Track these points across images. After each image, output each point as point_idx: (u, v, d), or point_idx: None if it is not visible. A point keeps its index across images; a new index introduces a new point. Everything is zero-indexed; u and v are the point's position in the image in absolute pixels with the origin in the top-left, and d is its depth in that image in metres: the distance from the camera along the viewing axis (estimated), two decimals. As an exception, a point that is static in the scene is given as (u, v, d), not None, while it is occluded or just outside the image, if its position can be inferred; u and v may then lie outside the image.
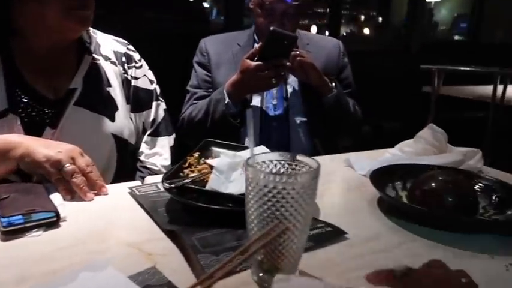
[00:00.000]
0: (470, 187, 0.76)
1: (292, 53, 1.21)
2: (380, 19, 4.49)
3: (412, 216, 0.70)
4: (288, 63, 1.18)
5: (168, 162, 1.06)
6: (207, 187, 0.69)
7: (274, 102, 1.30)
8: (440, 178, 0.74)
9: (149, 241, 0.61)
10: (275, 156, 0.53)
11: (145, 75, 1.09)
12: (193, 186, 0.70)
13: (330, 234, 0.64)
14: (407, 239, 0.65)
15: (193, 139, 1.18)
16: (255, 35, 1.41)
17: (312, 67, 1.22)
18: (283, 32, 1.12)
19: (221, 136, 1.28)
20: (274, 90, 1.30)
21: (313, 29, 4.18)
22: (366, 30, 4.53)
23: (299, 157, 0.53)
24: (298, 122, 1.29)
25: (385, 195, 0.74)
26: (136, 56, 1.09)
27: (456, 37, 4.48)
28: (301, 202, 0.47)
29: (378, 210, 0.75)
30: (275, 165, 0.53)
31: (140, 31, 2.53)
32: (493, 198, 0.76)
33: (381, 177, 0.83)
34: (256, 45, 1.18)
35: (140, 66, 1.08)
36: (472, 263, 0.58)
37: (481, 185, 0.80)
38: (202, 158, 0.81)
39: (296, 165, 0.53)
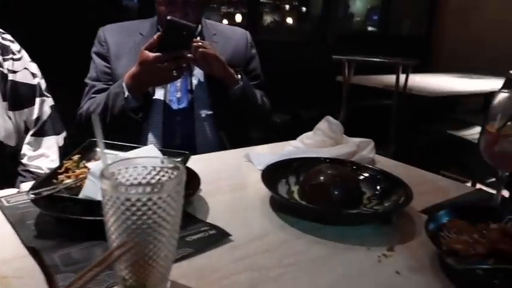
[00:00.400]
0: (355, 179, 0.79)
1: (194, 44, 1.17)
2: (304, 9, 4.57)
3: (297, 212, 0.71)
4: (190, 55, 1.13)
5: (55, 164, 0.97)
6: (81, 195, 0.64)
7: (178, 95, 1.25)
8: (328, 172, 0.76)
9: (6, 262, 0.54)
10: (137, 162, 0.49)
11: (26, 68, 0.98)
12: (62, 194, 0.63)
13: (213, 238, 0.61)
14: (292, 236, 0.65)
15: (93, 136, 1.09)
16: (158, 23, 1.34)
17: (215, 58, 1.19)
18: (181, 22, 1.07)
19: (123, 131, 1.23)
20: (178, 83, 1.25)
21: (238, 17, 4.15)
22: (289, 20, 4.59)
23: (165, 160, 0.49)
24: (203, 115, 1.25)
25: (274, 193, 0.73)
26: (15, 46, 0.98)
27: (369, 28, 4.72)
28: (162, 213, 0.44)
29: (270, 208, 0.75)
30: (140, 172, 0.49)
31: (30, 16, 2.31)
32: (377, 188, 0.80)
33: (274, 172, 0.83)
34: (155, 36, 1.11)
35: (19, 58, 0.97)
36: (349, 256, 0.60)
37: (366, 175, 0.83)
38: (83, 161, 0.75)
39: (160, 170, 0.49)
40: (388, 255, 0.60)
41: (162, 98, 1.24)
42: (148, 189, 0.42)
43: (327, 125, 1.05)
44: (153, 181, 0.50)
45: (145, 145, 1.19)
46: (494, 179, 2.95)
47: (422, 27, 4.80)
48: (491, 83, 2.95)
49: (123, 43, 1.31)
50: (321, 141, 1.04)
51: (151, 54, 1.08)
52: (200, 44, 1.18)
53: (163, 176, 0.50)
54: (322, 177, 0.75)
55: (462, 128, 2.85)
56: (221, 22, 4.01)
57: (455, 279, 0.54)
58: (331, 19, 4.03)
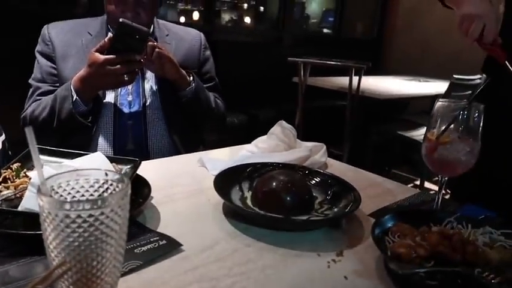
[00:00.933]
0: (306, 185, 0.80)
1: (150, 44, 1.14)
2: (261, 8, 4.58)
3: (249, 219, 0.71)
4: (141, 60, 1.10)
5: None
6: (20, 207, 0.60)
7: (130, 98, 1.21)
8: (280, 178, 0.77)
9: None
10: (79, 174, 0.47)
11: None
12: (0, 207, 0.60)
13: (163, 248, 0.60)
14: (243, 244, 0.65)
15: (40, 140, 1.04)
16: (108, 23, 1.30)
17: (169, 60, 1.17)
18: (134, 26, 1.03)
19: (71, 137, 1.18)
20: (129, 86, 1.21)
21: (195, 15, 4.10)
22: (247, 20, 4.59)
23: (109, 173, 0.48)
24: (155, 119, 1.22)
25: (226, 200, 0.73)
26: None
27: (325, 30, 4.82)
28: (106, 229, 0.42)
29: (222, 214, 0.75)
30: (82, 186, 0.47)
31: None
32: (328, 193, 0.81)
33: (227, 178, 0.82)
34: (106, 38, 1.07)
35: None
36: (298, 262, 0.61)
37: (318, 180, 0.85)
38: (24, 170, 0.71)
39: (104, 183, 0.48)
40: (337, 260, 0.62)
41: (112, 102, 1.20)
42: (88, 205, 0.41)
43: (280, 129, 1.06)
44: (96, 194, 0.48)
45: (96, 150, 1.15)
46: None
47: (374, 30, 4.97)
48: (437, 86, 3.12)
49: (71, 43, 1.25)
50: (275, 146, 1.05)
51: (102, 56, 1.04)
52: (156, 44, 1.15)
53: (107, 189, 0.48)
54: (274, 184, 0.75)
55: (411, 128, 2.99)
56: (178, 19, 3.95)
57: (398, 283, 0.57)
58: (287, 20, 4.08)
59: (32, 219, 0.59)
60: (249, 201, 0.78)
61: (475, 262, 0.59)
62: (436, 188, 0.80)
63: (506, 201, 0.99)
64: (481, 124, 0.67)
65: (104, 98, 1.19)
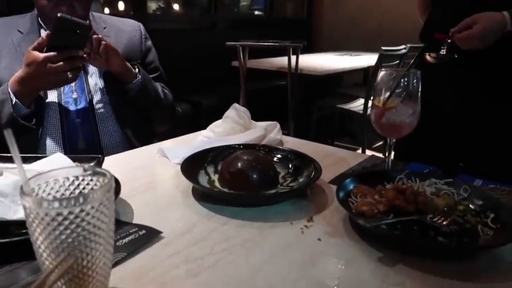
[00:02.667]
0: (270, 162, 0.85)
1: (95, 36, 1.10)
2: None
3: (221, 200, 0.74)
4: (84, 55, 1.06)
5: None
6: (-12, 217, 0.58)
7: (75, 95, 1.17)
8: (245, 158, 0.80)
9: None
10: (60, 173, 0.47)
11: None
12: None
13: (144, 238, 0.61)
14: (219, 223, 0.68)
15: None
16: (39, 19, 1.23)
17: (116, 53, 1.14)
18: (74, 20, 0.99)
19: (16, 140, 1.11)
20: (73, 83, 1.16)
21: (121, 5, 3.92)
22: (176, 7, 4.48)
23: (89, 169, 0.48)
24: (105, 114, 1.19)
25: (196, 184, 0.75)
26: None
27: (256, 12, 4.86)
28: (97, 222, 0.43)
29: (193, 199, 0.77)
30: (62, 184, 0.47)
31: None
32: (290, 167, 0.86)
33: (193, 164, 0.84)
34: (43, 35, 1.02)
35: None
36: (274, 232, 0.65)
37: (279, 156, 0.90)
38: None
39: (83, 179, 0.48)
40: (308, 225, 0.67)
41: (56, 101, 1.15)
42: (79, 200, 0.41)
43: (234, 112, 1.09)
44: (77, 191, 0.48)
45: (44, 153, 1.11)
46: (379, 144, 3.33)
47: (303, 9, 5.10)
48: (367, 59, 3.30)
49: (0, 42, 1.17)
50: (231, 129, 1.08)
51: (41, 54, 0.99)
52: (101, 36, 1.11)
53: (87, 184, 0.48)
54: (240, 164, 0.79)
55: (348, 101, 3.15)
56: (102, 11, 3.76)
57: (366, 236, 0.63)
58: (218, 4, 4.05)
59: (2, 226, 0.58)
60: (217, 184, 0.81)
61: (426, 210, 0.67)
62: (376, 153, 0.88)
63: (442, 156, 1.11)
64: (420, 88, 0.75)
65: (47, 98, 1.14)
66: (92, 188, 0.48)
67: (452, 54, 1.05)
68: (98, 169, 0.48)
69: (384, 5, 4.40)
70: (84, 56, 1.06)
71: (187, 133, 1.20)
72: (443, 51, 1.05)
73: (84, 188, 0.48)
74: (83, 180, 0.49)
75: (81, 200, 0.42)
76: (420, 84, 0.75)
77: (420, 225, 0.64)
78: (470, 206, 0.69)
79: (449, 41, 1.04)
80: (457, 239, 0.61)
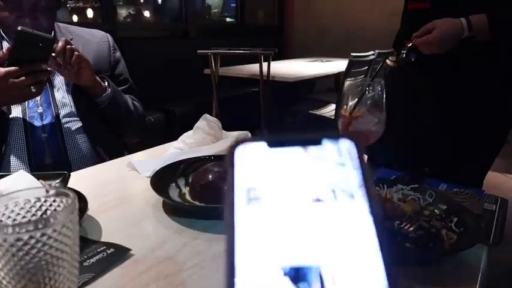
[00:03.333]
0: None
1: (68, 46, 1.07)
2: (160, 1, 4.45)
3: (192, 213, 0.73)
4: (47, 69, 1.03)
5: None
6: None
7: (40, 110, 1.14)
8: (215, 170, 0.80)
9: None
10: (21, 194, 0.46)
11: None
12: None
13: (112, 256, 0.60)
14: (190, 238, 0.67)
15: None
16: (1, 31, 1.19)
17: (87, 65, 1.11)
18: (36, 33, 0.97)
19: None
20: (38, 97, 1.13)
21: (90, 13, 3.84)
22: (147, 14, 4.43)
23: (52, 189, 0.47)
24: (73, 128, 1.16)
25: (167, 198, 0.75)
26: None
27: (228, 20, 4.88)
28: (60, 246, 0.42)
29: (164, 213, 0.76)
30: (23, 207, 0.46)
31: None
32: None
33: (163, 177, 0.83)
34: (4, 48, 0.99)
35: None
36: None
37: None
38: None
39: (46, 200, 0.47)
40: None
41: (21, 116, 1.11)
42: (40, 224, 0.40)
43: (205, 123, 1.09)
44: (39, 213, 0.47)
45: (8, 170, 1.07)
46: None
47: (275, 16, 5.15)
48: (338, 65, 3.36)
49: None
50: (202, 139, 1.08)
51: (2, 69, 0.96)
52: (73, 47, 1.08)
53: (50, 205, 0.47)
54: (210, 176, 0.78)
55: (320, 106, 3.20)
56: (70, 19, 3.68)
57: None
58: (189, 12, 4.04)
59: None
60: (188, 197, 0.80)
61: (394, 216, 0.69)
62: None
63: (410, 161, 1.15)
64: (384, 97, 0.77)
65: (10, 113, 1.11)
66: (54, 210, 0.47)
67: (409, 58, 1.09)
68: (61, 189, 0.47)
69: (353, 12, 4.51)
70: (49, 69, 1.03)
71: (161, 142, 1.19)
72: (402, 55, 1.09)
73: (46, 210, 0.47)
74: (45, 201, 0.47)
75: (42, 223, 0.40)
76: (384, 92, 0.77)
77: (387, 232, 0.66)
78: (436, 210, 0.71)
79: (409, 45, 1.07)
80: (422, 245, 0.63)
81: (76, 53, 1.07)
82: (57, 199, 0.47)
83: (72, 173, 0.92)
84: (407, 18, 1.24)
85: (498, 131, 1.17)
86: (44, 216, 0.46)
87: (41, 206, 0.47)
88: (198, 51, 2.71)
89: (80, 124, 1.17)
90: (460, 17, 1.03)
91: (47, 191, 0.47)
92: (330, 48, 4.45)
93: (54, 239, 0.41)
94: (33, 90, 0.99)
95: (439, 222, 0.68)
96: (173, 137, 1.17)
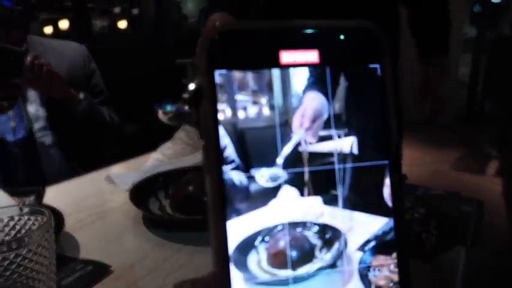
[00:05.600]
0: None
1: (37, 61, 1.04)
2: (136, 11, 4.42)
3: (173, 226, 0.72)
4: (19, 83, 1.01)
5: None
6: None
7: (12, 124, 1.10)
8: (196, 181, 0.79)
9: None
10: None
11: None
12: None
13: (91, 274, 0.59)
14: (172, 251, 0.66)
15: None
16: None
17: (58, 77, 1.09)
18: (6, 47, 0.95)
19: None
20: (9, 112, 1.10)
21: (63, 24, 3.77)
22: (122, 24, 4.39)
23: (25, 207, 0.45)
24: (47, 142, 1.13)
25: (146, 212, 0.73)
26: None
27: (203, 29, 4.87)
28: (35, 266, 0.41)
29: (143, 227, 0.74)
30: (-4, 227, 0.44)
31: None
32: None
33: (142, 189, 0.82)
34: None
35: None
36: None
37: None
38: None
39: (20, 219, 0.45)
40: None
41: (-9, 131, 1.08)
42: (14, 245, 0.39)
43: (184, 133, 1.08)
44: (13, 233, 0.45)
45: (-21, 187, 1.03)
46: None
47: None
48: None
49: None
50: (181, 150, 1.07)
51: None
52: (42, 61, 1.06)
53: (25, 224, 0.46)
54: (191, 187, 0.77)
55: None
56: (42, 31, 3.60)
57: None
58: (165, 22, 4.03)
59: None
60: (168, 209, 0.79)
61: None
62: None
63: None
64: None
65: (-19, 129, 1.07)
66: (29, 229, 0.45)
67: None
68: (36, 207, 0.46)
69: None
70: (20, 83, 1.01)
71: (140, 154, 1.17)
72: None
73: (20, 229, 0.45)
74: (19, 220, 0.46)
75: (16, 244, 0.39)
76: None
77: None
78: (415, 214, 0.72)
79: None
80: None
81: (46, 67, 1.05)
82: (32, 217, 0.46)
83: (47, 188, 0.90)
84: None
85: None
86: (18, 235, 0.44)
87: (14, 225, 0.45)
88: (176, 60, 2.69)
89: (54, 138, 1.15)
90: None
91: (21, 209, 0.46)
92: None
93: (29, 259, 0.40)
94: (5, 104, 0.96)
95: (418, 225, 0.69)
96: (152, 148, 1.15)
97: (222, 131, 0.19)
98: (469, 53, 4.06)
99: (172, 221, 0.74)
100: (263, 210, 0.20)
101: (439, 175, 1.49)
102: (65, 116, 1.15)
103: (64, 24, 3.78)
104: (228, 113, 0.19)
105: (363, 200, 0.21)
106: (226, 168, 0.19)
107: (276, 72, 0.19)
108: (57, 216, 0.69)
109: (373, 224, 0.21)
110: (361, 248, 0.21)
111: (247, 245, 0.20)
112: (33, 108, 1.15)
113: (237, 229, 0.20)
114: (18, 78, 0.99)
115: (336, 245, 0.20)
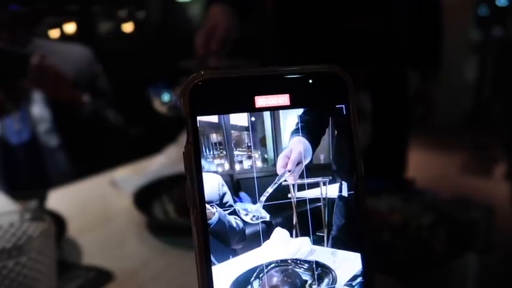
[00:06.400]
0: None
1: (44, 62, 1.04)
2: (142, 16, 4.43)
3: (177, 232, 0.71)
4: (23, 86, 1.00)
5: None
6: None
7: (17, 127, 1.10)
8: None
9: None
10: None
11: None
12: None
13: (93, 281, 0.58)
14: (175, 257, 0.65)
15: None
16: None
17: (63, 81, 1.08)
18: (10, 51, 0.94)
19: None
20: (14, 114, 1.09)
21: (70, 28, 3.78)
22: (128, 27, 4.39)
23: (25, 214, 0.44)
24: (51, 144, 1.13)
25: (150, 217, 0.72)
26: None
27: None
28: (35, 274, 0.40)
29: (147, 232, 0.73)
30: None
31: None
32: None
33: (147, 194, 0.81)
34: None
35: None
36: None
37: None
38: None
39: (21, 226, 0.44)
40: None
41: (-4, 134, 1.08)
42: (14, 253, 0.38)
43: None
44: (13, 240, 0.44)
45: (-16, 190, 1.03)
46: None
47: (258, 25, 5.17)
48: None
49: None
50: (186, 153, 1.05)
51: None
52: (48, 63, 1.05)
53: (25, 231, 0.45)
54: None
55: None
56: (48, 35, 3.62)
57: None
58: (172, 25, 4.04)
59: None
60: (172, 214, 0.78)
61: (382, 227, 0.68)
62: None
63: (393, 172, 1.15)
64: (370, 108, 0.77)
65: (-16, 132, 1.07)
66: (30, 236, 0.44)
67: None
68: (37, 214, 0.45)
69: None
70: (25, 85, 1.00)
71: (145, 157, 1.16)
72: None
73: (21, 236, 0.44)
74: (20, 227, 0.45)
75: (16, 252, 0.38)
76: (370, 104, 0.76)
77: (376, 244, 0.65)
78: (424, 220, 0.71)
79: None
80: (411, 256, 0.62)
81: (52, 69, 1.05)
82: (33, 224, 0.45)
83: (50, 192, 0.89)
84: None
85: None
86: (19, 243, 0.43)
87: (14, 233, 0.44)
88: (182, 63, 2.69)
89: (59, 140, 1.14)
90: None
91: (22, 215, 0.45)
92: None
93: (29, 267, 0.39)
94: (10, 107, 0.96)
95: (427, 232, 0.67)
96: (157, 151, 1.14)
97: (218, 178, 0.21)
98: (475, 56, 4.02)
99: (176, 227, 0.73)
100: (258, 250, 0.22)
101: (447, 179, 1.46)
102: (70, 118, 1.14)
103: (70, 27, 3.80)
104: (209, 154, 0.21)
105: (347, 239, 0.23)
106: (222, 212, 0.21)
107: (251, 116, 0.21)
108: (59, 221, 0.68)
109: (359, 261, 0.23)
110: (349, 283, 0.23)
111: (243, 282, 0.22)
112: (38, 110, 1.14)
113: (234, 268, 0.22)
114: (23, 80, 0.99)
115: (326, 280, 0.22)
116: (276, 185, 0.22)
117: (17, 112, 1.09)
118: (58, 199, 0.88)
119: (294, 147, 0.22)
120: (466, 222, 0.77)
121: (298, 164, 0.22)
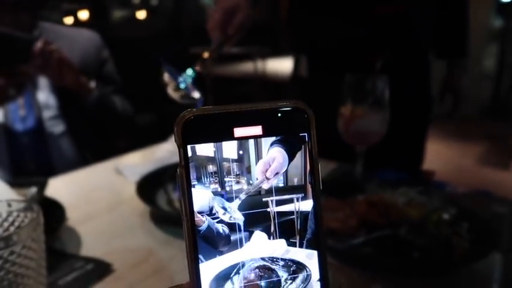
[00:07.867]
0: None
1: (50, 47, 1.00)
2: (155, 2, 4.40)
3: (180, 223, 0.68)
4: (27, 70, 0.97)
5: None
6: None
7: (22, 113, 1.08)
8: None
9: None
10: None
11: None
12: None
13: (91, 273, 0.55)
14: (179, 250, 0.62)
15: None
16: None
17: (70, 66, 1.05)
18: (12, 34, 0.91)
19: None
20: (19, 99, 1.07)
21: (84, 14, 3.77)
22: (141, 14, 4.36)
23: (13, 203, 0.41)
24: (57, 131, 1.10)
25: (153, 206, 0.69)
26: None
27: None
28: (27, 261, 0.36)
29: (150, 223, 0.70)
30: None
31: None
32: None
33: (150, 182, 0.78)
34: None
35: None
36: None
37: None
38: None
39: (9, 216, 0.41)
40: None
41: (1, 120, 1.05)
42: (1, 243, 0.35)
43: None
44: (0, 230, 0.41)
45: (-12, 177, 1.01)
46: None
47: (268, 12, 5.08)
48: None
49: None
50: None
51: None
52: (54, 48, 1.02)
53: (13, 222, 0.42)
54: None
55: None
56: (62, 21, 3.61)
57: (336, 255, 0.58)
58: (183, 12, 3.99)
59: None
60: (176, 203, 0.74)
61: (400, 222, 0.63)
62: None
63: (410, 163, 1.09)
64: (388, 94, 0.71)
65: (-12, 118, 1.05)
66: (18, 226, 0.41)
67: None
68: (24, 203, 0.41)
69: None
70: (28, 70, 0.97)
71: (153, 144, 1.13)
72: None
73: (9, 227, 0.41)
74: (8, 216, 0.42)
75: (3, 243, 0.35)
76: (388, 89, 0.71)
77: (394, 240, 0.60)
78: (444, 215, 0.66)
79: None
80: (431, 254, 0.58)
81: (56, 54, 1.01)
82: (21, 214, 0.42)
83: (54, 179, 0.87)
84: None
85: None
86: (5, 234, 0.40)
87: (2, 223, 0.41)
88: (191, 50, 2.65)
89: (64, 127, 1.11)
90: None
91: (9, 205, 0.41)
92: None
93: (17, 259, 0.36)
94: (12, 92, 0.93)
95: (448, 228, 0.63)
96: (166, 138, 1.11)
97: (209, 193, 0.25)
98: (494, 44, 3.89)
99: (180, 217, 0.69)
100: (240, 250, 0.25)
101: (466, 171, 1.40)
102: (76, 104, 1.12)
103: (84, 14, 3.78)
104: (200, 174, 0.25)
105: (312, 240, 0.26)
106: (211, 221, 0.25)
107: (231, 144, 0.25)
108: (58, 210, 0.66)
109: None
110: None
111: (224, 276, 0.25)
112: (44, 96, 1.11)
113: (218, 265, 0.25)
114: (26, 65, 0.96)
115: (300, 276, 0.25)
116: (255, 188, 0.25)
117: (22, 98, 1.06)
118: (61, 187, 0.86)
119: (276, 156, 0.26)
120: (489, 218, 0.72)
121: (276, 173, 0.26)
